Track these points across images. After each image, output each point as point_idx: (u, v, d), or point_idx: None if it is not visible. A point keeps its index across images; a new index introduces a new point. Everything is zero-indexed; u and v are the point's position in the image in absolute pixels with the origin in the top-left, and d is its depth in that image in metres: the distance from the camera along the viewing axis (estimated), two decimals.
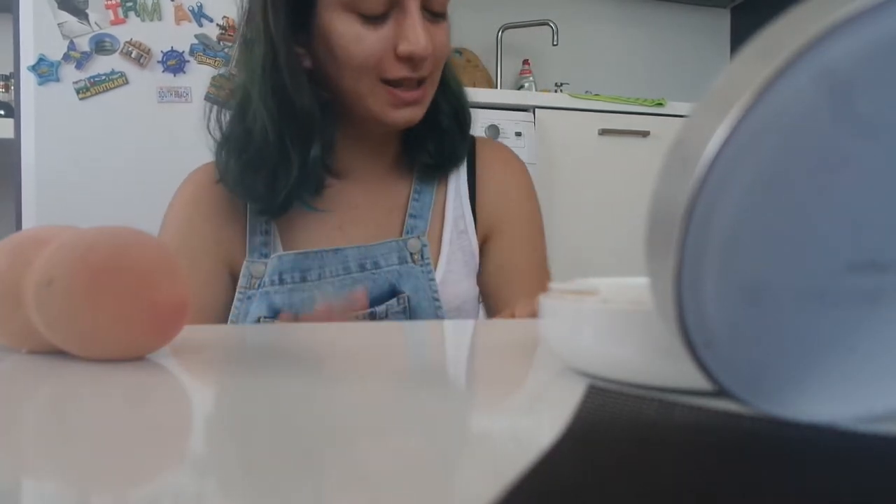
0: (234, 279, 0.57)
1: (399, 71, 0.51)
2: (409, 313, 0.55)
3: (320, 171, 0.54)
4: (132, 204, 1.11)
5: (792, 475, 0.12)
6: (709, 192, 0.13)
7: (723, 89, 0.13)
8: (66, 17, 1.14)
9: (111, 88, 1.16)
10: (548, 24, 1.77)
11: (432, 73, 0.54)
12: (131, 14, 1.16)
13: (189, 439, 0.17)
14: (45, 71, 1.13)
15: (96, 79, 1.15)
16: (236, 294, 0.55)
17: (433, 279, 0.57)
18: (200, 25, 1.19)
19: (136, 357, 0.26)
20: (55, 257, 0.25)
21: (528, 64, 1.83)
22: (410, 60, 0.51)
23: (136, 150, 1.15)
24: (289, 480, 0.13)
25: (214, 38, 1.20)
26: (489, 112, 1.34)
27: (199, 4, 1.19)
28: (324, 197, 0.57)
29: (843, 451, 0.14)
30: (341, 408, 0.19)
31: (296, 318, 0.53)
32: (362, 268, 0.56)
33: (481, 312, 0.65)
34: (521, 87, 1.79)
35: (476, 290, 0.61)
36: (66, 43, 1.14)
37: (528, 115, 1.40)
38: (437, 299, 0.56)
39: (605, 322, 0.20)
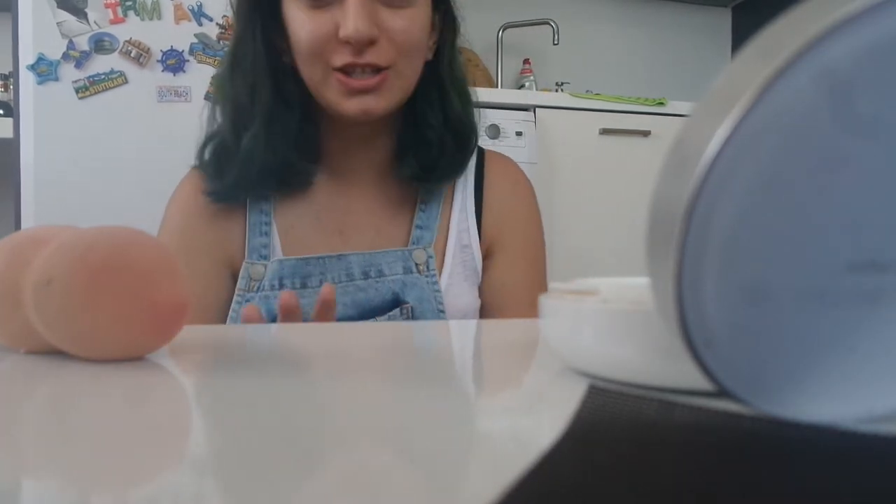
0: (235, 279, 0.56)
1: (343, 56, 0.50)
2: None
3: (262, 157, 0.53)
4: (132, 204, 1.11)
5: (792, 475, 0.12)
6: (709, 192, 0.13)
7: (723, 89, 0.13)
8: (65, 16, 1.14)
9: (110, 88, 1.16)
10: (548, 24, 1.77)
11: (396, 63, 0.52)
12: (131, 13, 1.16)
13: (189, 439, 0.17)
14: (45, 70, 1.13)
15: (95, 78, 1.15)
16: (234, 296, 0.55)
17: (438, 290, 0.56)
18: (200, 25, 1.19)
19: (135, 357, 0.26)
20: (54, 257, 0.25)
21: (529, 63, 1.83)
22: (351, 45, 0.50)
23: (135, 150, 1.15)
24: (288, 480, 0.13)
25: (214, 38, 1.20)
26: (490, 112, 1.34)
27: (198, 4, 1.19)
28: (318, 195, 0.57)
29: (843, 451, 0.14)
30: (341, 408, 0.19)
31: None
32: (366, 275, 0.55)
33: None
34: (521, 87, 1.79)
35: (478, 302, 0.60)
36: (66, 42, 1.14)
37: (528, 115, 1.40)
38: (442, 311, 0.55)
39: (605, 322, 0.20)
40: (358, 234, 0.58)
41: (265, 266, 0.55)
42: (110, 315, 0.24)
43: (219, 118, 0.56)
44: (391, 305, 0.54)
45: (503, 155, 0.66)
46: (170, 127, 1.16)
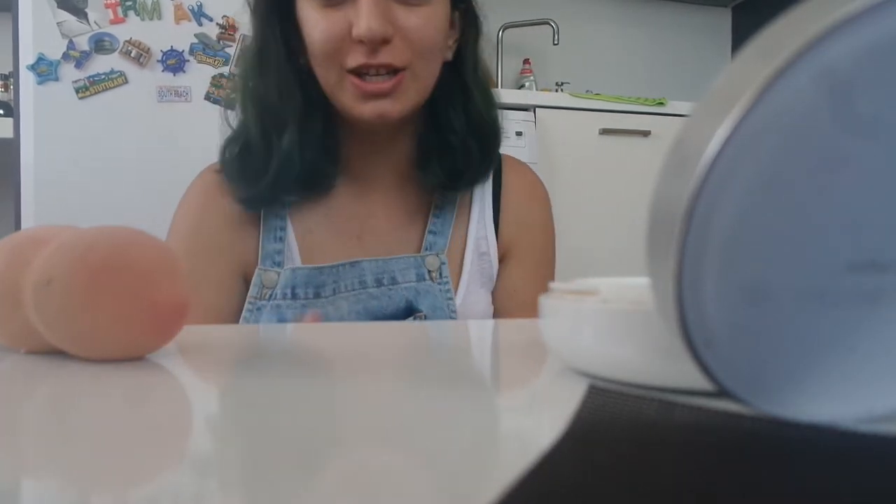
0: (247, 285, 0.55)
1: (357, 57, 0.48)
2: None
3: (299, 160, 0.52)
4: (132, 203, 1.11)
5: (792, 475, 0.12)
6: (709, 192, 0.13)
7: (723, 89, 0.13)
8: (65, 16, 1.14)
9: (110, 88, 1.16)
10: (548, 24, 1.77)
11: (413, 63, 0.50)
12: (131, 13, 1.16)
13: (189, 439, 0.17)
14: (45, 70, 1.13)
15: (96, 78, 1.15)
16: (246, 303, 0.54)
17: (451, 298, 0.55)
18: (200, 25, 1.19)
19: (135, 357, 0.26)
20: (54, 257, 0.25)
21: (529, 63, 1.83)
22: (364, 45, 0.48)
23: (135, 150, 1.15)
24: (288, 480, 0.13)
25: (214, 38, 1.20)
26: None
27: (198, 4, 1.19)
28: (337, 199, 0.56)
29: (843, 451, 0.14)
30: (340, 408, 0.19)
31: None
32: (379, 283, 0.54)
33: None
34: (521, 87, 1.79)
35: (491, 308, 0.59)
36: (66, 42, 1.14)
37: (528, 115, 1.40)
38: (454, 319, 0.55)
39: (605, 322, 0.20)
40: (375, 239, 0.56)
41: (278, 274, 0.53)
42: (110, 315, 0.24)
43: (234, 121, 0.55)
44: (405, 314, 0.53)
45: (520, 161, 0.64)
46: (170, 127, 1.16)
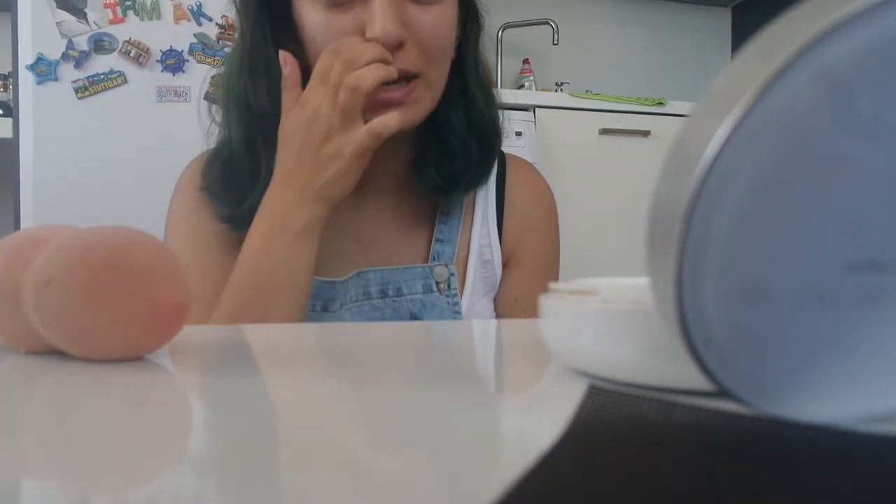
0: None
1: None
2: None
3: None
4: (131, 204, 1.11)
5: (792, 475, 0.12)
6: (709, 192, 0.13)
7: (723, 89, 0.13)
8: (64, 16, 1.14)
9: (110, 88, 1.16)
10: (548, 24, 1.77)
11: (425, 69, 0.47)
12: (130, 13, 1.16)
13: (189, 439, 0.17)
14: (44, 70, 1.13)
15: (95, 78, 1.15)
16: None
17: (459, 311, 0.52)
18: (199, 24, 1.19)
19: (135, 357, 0.26)
20: (54, 257, 0.25)
21: (529, 63, 1.83)
22: None
23: (135, 150, 1.15)
24: (288, 481, 0.13)
25: (213, 38, 1.20)
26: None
27: (198, 3, 1.19)
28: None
29: (843, 451, 0.14)
30: (339, 408, 0.19)
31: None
32: (383, 294, 0.52)
33: None
34: (521, 87, 1.79)
35: (494, 315, 0.57)
36: (65, 42, 1.14)
37: (528, 115, 1.40)
38: None
39: (605, 322, 0.20)
40: (377, 246, 0.54)
41: None
42: (110, 315, 0.24)
43: (219, 130, 0.52)
44: None
45: (525, 160, 0.62)
46: (169, 127, 1.16)
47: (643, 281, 0.16)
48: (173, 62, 1.18)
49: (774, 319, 0.14)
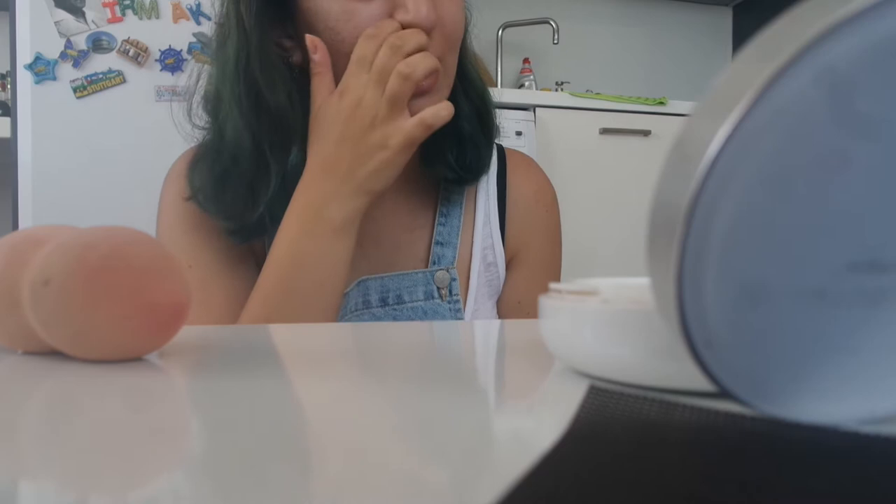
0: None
1: None
2: None
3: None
4: (130, 203, 1.11)
5: (792, 476, 0.12)
6: (710, 192, 0.13)
7: (723, 89, 0.13)
8: (63, 15, 1.14)
9: (108, 87, 1.16)
10: (548, 23, 1.77)
11: (445, 57, 0.45)
12: (129, 12, 1.16)
13: (188, 440, 0.17)
14: (42, 69, 1.13)
15: (93, 77, 1.15)
16: None
17: (462, 318, 0.51)
18: (199, 24, 1.19)
19: (133, 357, 0.26)
20: (52, 257, 0.25)
21: (529, 62, 1.83)
22: None
23: (133, 150, 1.15)
24: (288, 481, 0.13)
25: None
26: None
27: (196, 2, 1.19)
28: None
29: (844, 452, 0.14)
30: (340, 408, 0.19)
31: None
32: (384, 302, 0.50)
33: None
34: (521, 86, 1.79)
35: (497, 318, 0.56)
36: (63, 41, 1.14)
37: (528, 115, 1.40)
38: None
39: (605, 322, 0.20)
40: (377, 250, 0.52)
41: None
42: (109, 315, 0.24)
43: (216, 129, 0.47)
44: None
45: (525, 155, 0.60)
46: (168, 126, 1.16)
47: (643, 281, 0.16)
48: (172, 61, 1.17)
49: (775, 320, 0.14)
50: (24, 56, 1.13)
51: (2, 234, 0.29)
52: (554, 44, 1.78)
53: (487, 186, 0.56)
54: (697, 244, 0.13)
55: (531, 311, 0.55)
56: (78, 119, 1.14)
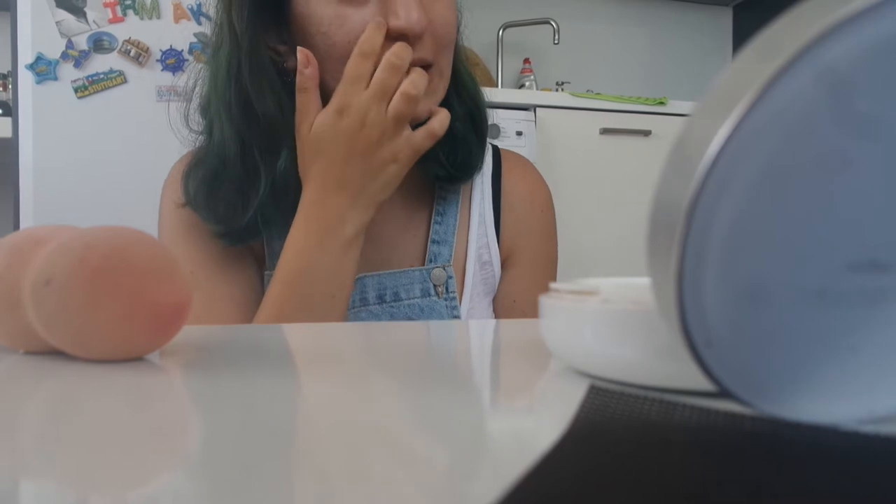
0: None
1: None
2: None
3: (295, 183, 0.46)
4: (131, 203, 1.11)
5: (792, 475, 0.12)
6: (710, 192, 0.13)
7: (724, 89, 0.13)
8: (64, 15, 1.14)
9: (109, 87, 1.16)
10: (549, 23, 1.77)
11: (438, 59, 0.46)
12: (130, 12, 1.16)
13: (189, 440, 0.17)
14: (43, 70, 1.13)
15: (94, 77, 1.15)
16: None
17: (458, 316, 0.52)
18: (199, 24, 1.19)
19: (134, 357, 0.26)
20: (53, 257, 0.25)
21: (529, 63, 1.83)
22: (403, 40, 0.44)
23: (134, 150, 1.15)
24: (288, 481, 0.13)
25: None
26: (490, 111, 1.34)
27: (197, 3, 1.19)
28: None
29: (844, 451, 0.14)
30: (340, 408, 0.19)
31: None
32: (381, 299, 0.50)
33: None
34: (521, 86, 1.79)
35: (493, 317, 0.56)
36: (65, 41, 1.14)
37: (528, 115, 1.40)
38: None
39: (605, 322, 0.20)
40: (373, 248, 0.52)
41: None
42: (109, 315, 0.24)
43: (208, 134, 0.48)
44: None
45: (520, 156, 0.61)
46: (169, 126, 1.16)
47: (643, 281, 0.16)
48: (173, 62, 1.18)
49: (775, 319, 0.14)
50: (26, 56, 1.13)
51: (3, 234, 0.29)
52: (554, 44, 1.78)
53: (482, 186, 0.57)
54: (697, 244, 0.13)
55: (526, 311, 0.55)
56: (79, 119, 1.14)
